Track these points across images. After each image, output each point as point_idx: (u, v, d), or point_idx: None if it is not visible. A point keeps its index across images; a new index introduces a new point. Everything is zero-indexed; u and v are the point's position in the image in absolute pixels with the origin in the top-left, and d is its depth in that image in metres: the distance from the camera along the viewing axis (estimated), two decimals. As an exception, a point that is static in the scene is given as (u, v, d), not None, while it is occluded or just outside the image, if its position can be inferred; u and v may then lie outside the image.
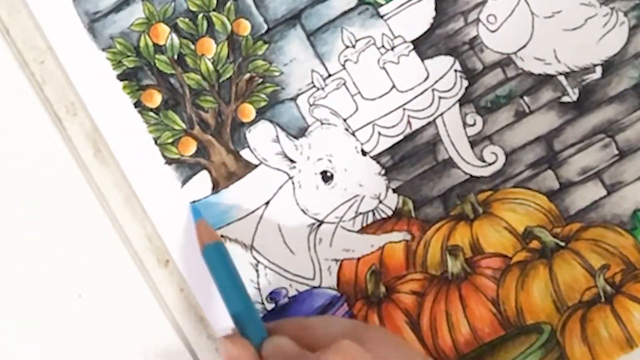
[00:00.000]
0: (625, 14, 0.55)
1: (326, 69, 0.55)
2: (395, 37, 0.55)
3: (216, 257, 0.51)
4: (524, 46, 0.55)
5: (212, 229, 0.53)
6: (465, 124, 0.55)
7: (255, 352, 0.47)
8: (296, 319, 0.51)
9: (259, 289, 0.54)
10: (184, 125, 0.54)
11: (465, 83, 0.55)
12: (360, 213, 0.54)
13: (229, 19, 0.55)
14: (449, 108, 0.55)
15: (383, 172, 0.55)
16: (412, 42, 0.55)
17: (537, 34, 0.55)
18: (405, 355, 0.46)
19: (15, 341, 0.54)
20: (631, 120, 0.55)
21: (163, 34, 0.55)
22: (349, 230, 0.54)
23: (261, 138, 0.54)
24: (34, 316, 0.54)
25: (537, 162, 0.55)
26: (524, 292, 0.54)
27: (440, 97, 0.55)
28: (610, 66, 0.55)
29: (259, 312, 0.50)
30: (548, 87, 0.55)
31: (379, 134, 0.55)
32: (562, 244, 0.54)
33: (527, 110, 0.55)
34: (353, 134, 0.55)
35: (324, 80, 0.55)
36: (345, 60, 0.55)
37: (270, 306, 0.54)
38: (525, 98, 0.55)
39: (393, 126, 0.55)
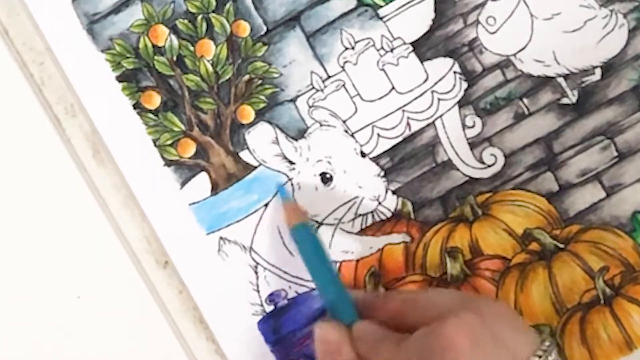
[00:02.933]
0: (625, 16, 0.55)
1: (325, 70, 0.55)
2: (395, 39, 0.55)
3: (306, 238, 0.50)
4: (524, 48, 0.55)
5: (300, 209, 0.52)
6: (464, 126, 0.55)
7: (350, 335, 0.46)
8: (400, 293, 0.49)
9: (258, 290, 0.54)
10: (183, 127, 0.54)
11: (465, 85, 0.55)
12: (360, 215, 0.54)
13: (228, 21, 0.55)
14: (448, 110, 0.55)
15: (382, 173, 0.55)
16: (412, 43, 0.55)
17: (537, 35, 0.55)
18: (519, 330, 0.43)
19: (13, 342, 0.54)
20: (630, 122, 0.55)
21: (162, 35, 0.55)
22: (348, 232, 0.54)
23: (260, 139, 0.54)
24: (32, 317, 0.53)
25: (537, 164, 0.55)
26: (523, 294, 0.54)
27: (439, 99, 0.55)
28: (609, 68, 0.55)
29: (347, 295, 0.49)
30: (547, 89, 0.55)
31: (378, 135, 0.55)
32: (562, 246, 0.54)
33: (526, 112, 0.55)
34: (352, 135, 0.55)
35: (323, 81, 0.55)
36: (345, 62, 0.55)
37: (269, 308, 0.54)
38: (525, 100, 0.55)
39: (392, 128, 0.55)
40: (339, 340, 0.46)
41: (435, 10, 0.55)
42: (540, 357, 0.42)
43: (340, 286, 0.49)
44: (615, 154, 0.55)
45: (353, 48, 0.55)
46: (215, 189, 0.54)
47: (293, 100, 0.55)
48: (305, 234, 0.51)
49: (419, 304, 0.46)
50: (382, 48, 0.55)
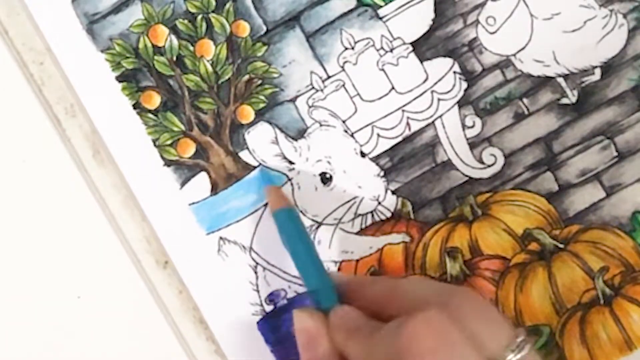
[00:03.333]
0: (625, 16, 0.55)
1: (325, 70, 0.55)
2: (395, 39, 0.55)
3: (288, 222, 0.50)
4: (523, 48, 0.55)
5: (283, 193, 0.52)
6: (464, 126, 0.55)
7: (326, 324, 0.45)
8: (384, 280, 0.48)
9: (257, 290, 0.54)
10: (182, 127, 0.54)
11: (465, 85, 0.55)
12: (359, 215, 0.54)
13: (228, 21, 0.55)
14: (448, 110, 0.55)
15: (382, 173, 0.55)
16: (411, 43, 0.55)
17: (536, 35, 0.55)
18: (493, 322, 0.42)
19: (14, 343, 0.54)
20: (630, 122, 0.55)
21: (162, 35, 0.55)
22: (347, 232, 0.54)
23: (260, 139, 0.54)
24: (32, 318, 0.53)
25: (536, 164, 0.55)
26: (522, 294, 0.54)
27: (439, 99, 0.55)
28: (609, 68, 0.55)
29: (328, 279, 0.48)
30: (547, 89, 0.55)
31: (378, 135, 0.55)
32: (561, 246, 0.54)
33: (526, 112, 0.55)
34: (352, 135, 0.55)
35: (323, 81, 0.55)
36: (345, 62, 0.55)
37: (269, 308, 0.54)
38: (525, 100, 0.55)
39: (392, 128, 0.55)
40: (316, 331, 0.45)
41: (435, 10, 0.55)
42: (513, 351, 0.41)
43: (322, 271, 0.48)
44: (615, 153, 0.55)
45: (353, 48, 0.55)
46: (215, 189, 0.54)
47: (293, 100, 0.55)
48: (287, 219, 0.50)
49: (399, 291, 0.45)
50: (382, 48, 0.55)
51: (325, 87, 0.55)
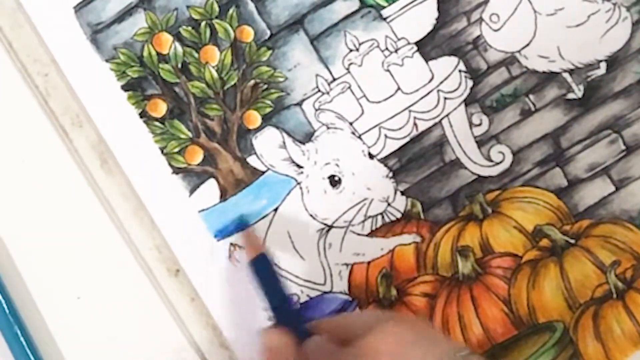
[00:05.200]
0: (628, 9, 0.55)
1: (330, 73, 0.55)
2: (399, 39, 0.55)
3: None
4: (528, 44, 0.55)
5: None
6: (471, 124, 0.55)
7: (295, 345, 0.47)
8: (329, 318, 0.52)
9: (270, 295, 0.54)
10: (189, 134, 0.54)
11: (470, 83, 0.55)
12: (369, 216, 0.54)
13: (231, 26, 0.55)
14: (455, 108, 0.55)
15: (391, 174, 0.54)
16: (416, 43, 0.55)
17: (541, 31, 0.55)
18: (435, 341, 0.46)
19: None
20: (637, 115, 0.55)
21: (166, 43, 0.54)
22: (358, 234, 0.54)
23: (268, 144, 0.54)
24: (44, 329, 0.53)
25: (545, 160, 0.55)
26: (535, 290, 0.54)
27: (445, 98, 0.55)
28: (614, 62, 0.55)
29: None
30: (553, 84, 0.55)
31: (386, 136, 0.55)
32: (572, 241, 0.54)
33: (532, 109, 0.55)
34: (359, 137, 0.55)
35: (329, 84, 0.55)
36: (350, 64, 0.55)
37: (282, 313, 0.54)
38: (531, 96, 0.55)
39: (399, 128, 0.55)
40: (280, 348, 0.47)
41: (439, 9, 0.55)
42: None
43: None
44: (623, 147, 0.55)
45: (357, 50, 0.55)
46: (224, 195, 0.54)
47: (299, 104, 0.55)
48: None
49: (343, 325, 0.48)
50: (387, 49, 0.55)
51: (331, 89, 0.55)
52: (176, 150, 0.54)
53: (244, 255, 0.53)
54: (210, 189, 0.54)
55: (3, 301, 0.53)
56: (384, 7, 0.55)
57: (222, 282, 0.53)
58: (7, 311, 0.53)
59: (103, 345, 0.53)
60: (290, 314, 0.50)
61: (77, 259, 0.53)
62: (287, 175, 0.54)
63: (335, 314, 0.53)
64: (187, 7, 0.55)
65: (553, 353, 0.53)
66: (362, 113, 0.55)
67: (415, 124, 0.55)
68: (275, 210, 0.54)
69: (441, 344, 0.45)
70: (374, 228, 0.54)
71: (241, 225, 0.54)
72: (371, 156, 0.54)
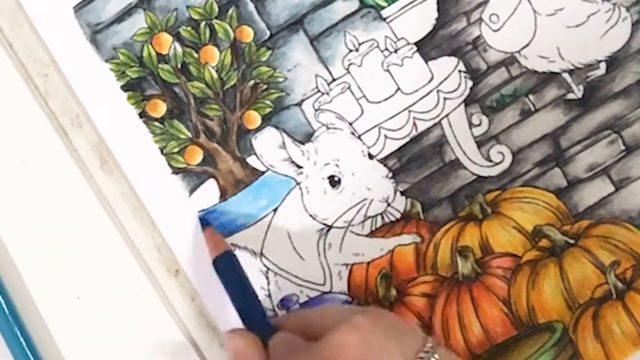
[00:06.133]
0: (628, 9, 0.55)
1: (330, 73, 0.55)
2: (399, 40, 0.55)
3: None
4: (528, 44, 0.55)
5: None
6: (471, 124, 0.55)
7: (261, 345, 0.47)
8: (294, 313, 0.52)
9: (269, 295, 0.54)
10: (189, 134, 0.54)
11: (470, 83, 0.55)
12: (369, 217, 0.54)
13: (231, 27, 0.55)
14: (455, 109, 0.55)
15: (390, 175, 0.54)
16: (416, 43, 0.55)
17: (540, 31, 0.55)
18: (403, 330, 0.46)
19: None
20: (637, 116, 0.55)
21: (166, 43, 0.54)
22: (358, 235, 0.54)
23: (267, 144, 0.54)
24: (44, 330, 0.53)
25: (544, 160, 0.55)
26: (535, 291, 0.54)
27: (445, 98, 0.55)
28: (614, 62, 0.55)
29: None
30: (553, 84, 0.55)
31: (385, 137, 0.55)
32: (572, 241, 0.54)
33: (532, 109, 0.55)
34: (359, 137, 0.55)
35: (329, 84, 0.55)
36: (349, 64, 0.55)
37: (281, 313, 0.54)
38: (531, 96, 0.55)
39: (399, 129, 0.55)
40: (245, 349, 0.47)
41: (438, 10, 0.55)
42: (422, 358, 0.44)
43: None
44: (623, 147, 0.55)
45: (357, 50, 0.55)
46: (223, 196, 0.54)
47: (299, 104, 0.55)
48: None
49: (312, 321, 0.48)
50: (386, 49, 0.55)
51: (330, 89, 0.55)
52: (176, 150, 0.54)
53: (243, 255, 0.53)
54: (210, 189, 0.54)
55: (3, 301, 0.53)
56: (383, 8, 0.55)
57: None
58: (6, 311, 0.53)
59: (103, 346, 0.53)
60: (256, 313, 0.50)
61: (77, 259, 0.53)
62: (286, 176, 0.54)
63: (301, 308, 0.53)
64: (187, 7, 0.55)
65: (553, 353, 0.53)
66: (362, 113, 0.55)
67: (415, 124, 0.55)
68: (275, 210, 0.54)
69: (410, 336, 0.46)
70: (373, 228, 0.54)
71: (241, 225, 0.54)
72: (371, 156, 0.54)
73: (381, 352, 0.44)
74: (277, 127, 0.54)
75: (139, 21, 0.54)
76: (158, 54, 0.54)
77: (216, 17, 0.55)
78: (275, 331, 0.48)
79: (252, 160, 0.54)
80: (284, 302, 0.54)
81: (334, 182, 0.54)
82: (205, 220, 0.53)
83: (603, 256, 0.54)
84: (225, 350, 0.49)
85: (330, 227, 0.54)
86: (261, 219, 0.54)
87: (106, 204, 0.54)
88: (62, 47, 0.54)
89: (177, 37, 0.55)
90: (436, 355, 0.44)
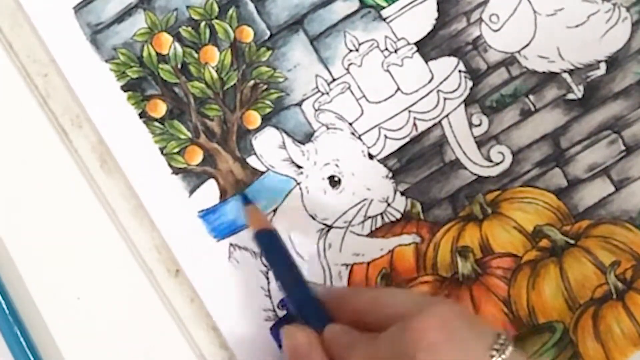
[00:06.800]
0: (628, 9, 0.55)
1: (330, 73, 0.55)
2: (399, 40, 0.55)
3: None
4: (528, 45, 0.55)
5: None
6: (471, 125, 0.55)
7: (320, 341, 0.46)
8: (361, 292, 0.49)
9: (269, 296, 0.54)
10: (189, 134, 0.54)
11: (470, 83, 0.55)
12: (369, 217, 0.54)
13: (231, 27, 0.55)
14: (455, 109, 0.55)
15: (390, 175, 0.54)
16: (416, 44, 0.55)
17: (540, 32, 0.55)
18: (476, 326, 0.45)
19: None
20: (637, 116, 0.55)
21: (166, 43, 0.54)
22: (358, 235, 0.54)
23: (267, 145, 0.54)
24: (44, 330, 0.53)
25: (544, 161, 0.55)
26: (535, 291, 0.54)
27: (445, 98, 0.55)
28: (614, 62, 0.55)
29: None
30: (553, 84, 0.55)
31: (385, 137, 0.55)
32: (572, 241, 0.54)
33: (532, 109, 0.55)
34: (359, 137, 0.55)
35: (329, 84, 0.55)
36: (349, 64, 0.55)
37: (281, 313, 0.54)
38: (531, 96, 0.55)
39: (399, 129, 0.55)
40: (307, 346, 0.46)
41: (438, 10, 0.55)
42: (497, 350, 0.43)
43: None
44: (623, 147, 0.55)
45: (357, 50, 0.55)
46: (224, 196, 0.54)
47: (299, 104, 0.55)
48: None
49: (380, 302, 0.46)
50: (386, 49, 0.55)
51: (330, 90, 0.55)
52: (176, 150, 0.54)
53: (243, 255, 0.53)
54: (210, 190, 0.54)
55: (3, 302, 0.53)
56: (383, 8, 0.55)
57: (222, 282, 0.53)
58: (6, 312, 0.53)
59: (103, 346, 0.53)
60: (311, 303, 0.49)
61: (77, 259, 0.53)
62: (286, 176, 0.54)
63: (356, 290, 0.51)
64: (187, 7, 0.55)
65: (553, 353, 0.53)
66: (362, 113, 0.55)
67: (415, 125, 0.55)
68: (275, 210, 0.54)
69: (485, 329, 0.44)
70: (373, 228, 0.54)
71: (241, 225, 0.54)
72: (371, 156, 0.54)
73: (461, 341, 0.43)
74: (277, 127, 0.54)
75: (139, 21, 0.54)
76: (158, 54, 0.54)
77: (216, 17, 0.55)
78: (329, 321, 0.47)
79: (252, 161, 0.54)
80: (284, 303, 0.54)
81: (334, 182, 0.54)
82: (245, 197, 0.53)
83: (603, 256, 0.54)
84: (284, 347, 0.47)
85: (330, 227, 0.54)
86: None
87: (106, 204, 0.54)
88: (62, 47, 0.54)
89: (177, 37, 0.55)
90: (507, 352, 0.43)
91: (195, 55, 0.54)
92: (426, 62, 0.55)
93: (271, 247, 0.51)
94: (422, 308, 0.44)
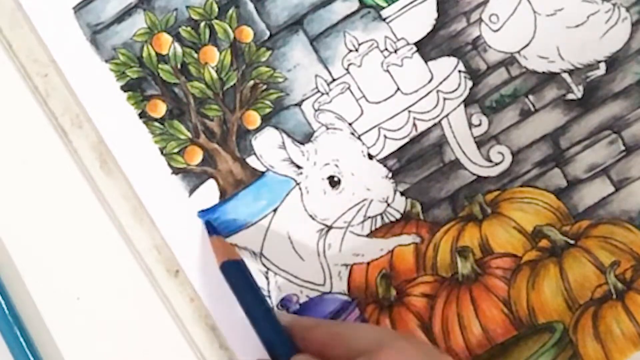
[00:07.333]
0: (628, 10, 0.55)
1: (330, 73, 0.55)
2: (398, 40, 0.55)
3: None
4: (527, 45, 0.55)
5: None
6: (470, 125, 0.55)
7: None
8: (325, 325, 0.50)
9: (269, 296, 0.54)
10: (189, 135, 0.54)
11: (470, 83, 0.55)
12: (369, 217, 0.54)
13: (231, 27, 0.55)
14: (454, 109, 0.55)
15: (390, 175, 0.54)
16: (415, 44, 0.55)
17: (540, 32, 0.55)
18: None
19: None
20: (637, 116, 0.55)
21: (166, 43, 0.54)
22: (358, 235, 0.54)
23: (267, 145, 0.54)
24: (44, 330, 0.53)
25: (544, 161, 0.55)
26: (535, 291, 0.54)
27: (445, 99, 0.55)
28: (614, 62, 0.55)
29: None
30: (552, 85, 0.55)
31: (385, 137, 0.55)
32: (572, 241, 0.54)
33: (532, 109, 0.55)
34: (359, 138, 0.55)
35: (328, 85, 0.55)
36: (349, 64, 0.55)
37: (281, 313, 0.54)
38: (530, 97, 0.55)
39: (399, 129, 0.55)
40: None
41: (438, 10, 0.55)
42: None
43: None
44: (623, 148, 0.55)
45: (357, 50, 0.55)
46: (223, 196, 0.54)
47: (299, 105, 0.55)
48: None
49: (345, 337, 0.47)
50: (386, 49, 0.55)
51: (330, 90, 0.55)
52: (176, 150, 0.54)
53: (243, 255, 0.53)
54: (209, 190, 0.54)
55: (3, 302, 0.53)
56: (383, 8, 0.55)
57: (222, 282, 0.53)
58: (6, 312, 0.53)
59: (102, 346, 0.53)
60: (276, 334, 0.49)
61: (77, 259, 0.53)
62: (286, 176, 0.54)
63: (320, 322, 0.51)
64: (187, 7, 0.55)
65: (552, 354, 0.52)
66: (362, 113, 0.55)
67: (414, 125, 0.55)
68: (275, 210, 0.54)
69: None
70: (373, 229, 0.54)
71: (241, 225, 0.54)
72: (370, 157, 0.54)
73: None
74: (276, 128, 0.54)
75: (138, 21, 0.54)
76: (158, 54, 0.54)
77: (216, 18, 0.55)
78: (295, 352, 0.47)
79: (251, 161, 0.54)
80: (284, 302, 0.54)
81: (333, 182, 0.54)
82: (211, 227, 0.53)
83: (603, 256, 0.54)
84: None
85: (330, 227, 0.54)
86: (261, 220, 0.54)
87: (106, 205, 0.54)
88: (62, 48, 0.54)
89: (177, 37, 0.55)
90: None
91: (195, 55, 0.54)
92: (426, 62, 0.55)
93: (237, 278, 0.51)
94: (384, 343, 0.44)
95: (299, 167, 0.54)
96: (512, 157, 0.55)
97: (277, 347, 0.48)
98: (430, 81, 0.55)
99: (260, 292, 0.51)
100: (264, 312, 0.49)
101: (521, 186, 0.55)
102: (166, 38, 0.54)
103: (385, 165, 0.55)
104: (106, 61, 0.54)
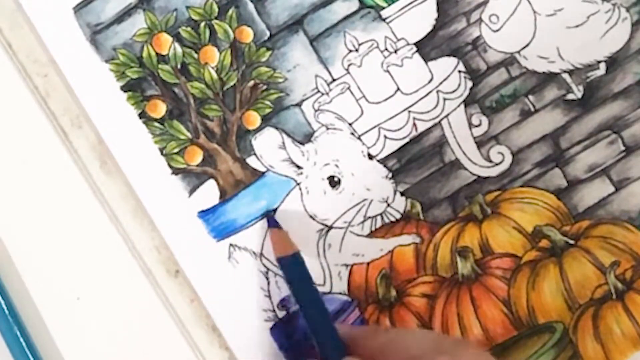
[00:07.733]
0: (628, 10, 0.55)
1: (330, 73, 0.55)
2: (398, 40, 0.55)
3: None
4: (527, 45, 0.55)
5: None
6: (470, 125, 0.55)
7: None
8: (385, 331, 0.50)
9: (269, 296, 0.54)
10: (189, 135, 0.54)
11: (470, 83, 0.55)
12: (369, 217, 0.54)
13: (231, 27, 0.55)
14: (454, 109, 0.55)
15: (390, 175, 0.54)
16: (415, 44, 0.55)
17: (540, 32, 0.55)
18: None
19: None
20: (637, 116, 0.55)
21: (166, 43, 0.54)
22: (358, 235, 0.54)
23: (267, 145, 0.54)
24: (44, 330, 0.53)
25: (544, 161, 0.55)
26: (535, 291, 0.54)
27: (445, 99, 0.55)
28: (614, 62, 0.55)
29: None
30: (552, 85, 0.55)
31: (385, 137, 0.55)
32: (572, 242, 0.54)
33: (532, 109, 0.55)
34: (359, 138, 0.55)
35: (328, 85, 0.55)
36: (349, 65, 0.55)
37: (281, 314, 0.54)
38: (530, 97, 0.55)
39: (399, 129, 0.55)
40: None
41: (438, 10, 0.55)
42: None
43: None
44: (623, 148, 0.55)
45: (357, 50, 0.55)
46: (223, 196, 0.54)
47: (299, 105, 0.55)
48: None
49: (399, 344, 0.47)
50: (386, 49, 0.55)
51: (330, 90, 0.55)
52: (175, 150, 0.54)
53: (243, 255, 0.53)
54: (209, 190, 0.54)
55: (2, 302, 0.53)
56: (383, 8, 0.55)
57: (222, 283, 0.53)
58: (6, 312, 0.53)
59: (102, 346, 0.53)
60: (329, 333, 0.49)
61: (77, 259, 0.53)
62: (286, 176, 0.54)
63: (372, 328, 0.51)
64: (187, 7, 0.55)
65: (552, 354, 0.53)
66: (362, 114, 0.55)
67: (414, 125, 0.55)
68: (275, 210, 0.54)
69: None
70: (373, 229, 0.54)
71: (241, 225, 0.54)
72: (370, 157, 0.54)
73: None
74: (277, 128, 0.54)
75: (138, 22, 0.54)
76: (158, 54, 0.54)
77: (216, 18, 0.55)
78: (345, 354, 0.48)
79: (252, 161, 0.54)
80: (284, 303, 0.54)
81: (333, 182, 0.54)
82: (271, 219, 0.53)
83: (603, 256, 0.54)
84: None
85: (330, 227, 0.54)
86: (261, 220, 0.54)
87: (106, 205, 0.54)
88: (62, 48, 0.54)
89: (177, 37, 0.55)
90: None
91: (195, 55, 0.54)
92: (426, 62, 0.55)
93: (296, 274, 0.51)
94: (442, 350, 0.44)
95: (299, 167, 0.54)
96: (512, 157, 0.55)
97: (329, 347, 0.48)
98: (430, 81, 0.55)
99: (317, 290, 0.51)
100: (321, 311, 0.50)
101: (521, 186, 0.55)
102: (166, 38, 0.54)
103: (385, 166, 0.55)
104: (106, 61, 0.54)
